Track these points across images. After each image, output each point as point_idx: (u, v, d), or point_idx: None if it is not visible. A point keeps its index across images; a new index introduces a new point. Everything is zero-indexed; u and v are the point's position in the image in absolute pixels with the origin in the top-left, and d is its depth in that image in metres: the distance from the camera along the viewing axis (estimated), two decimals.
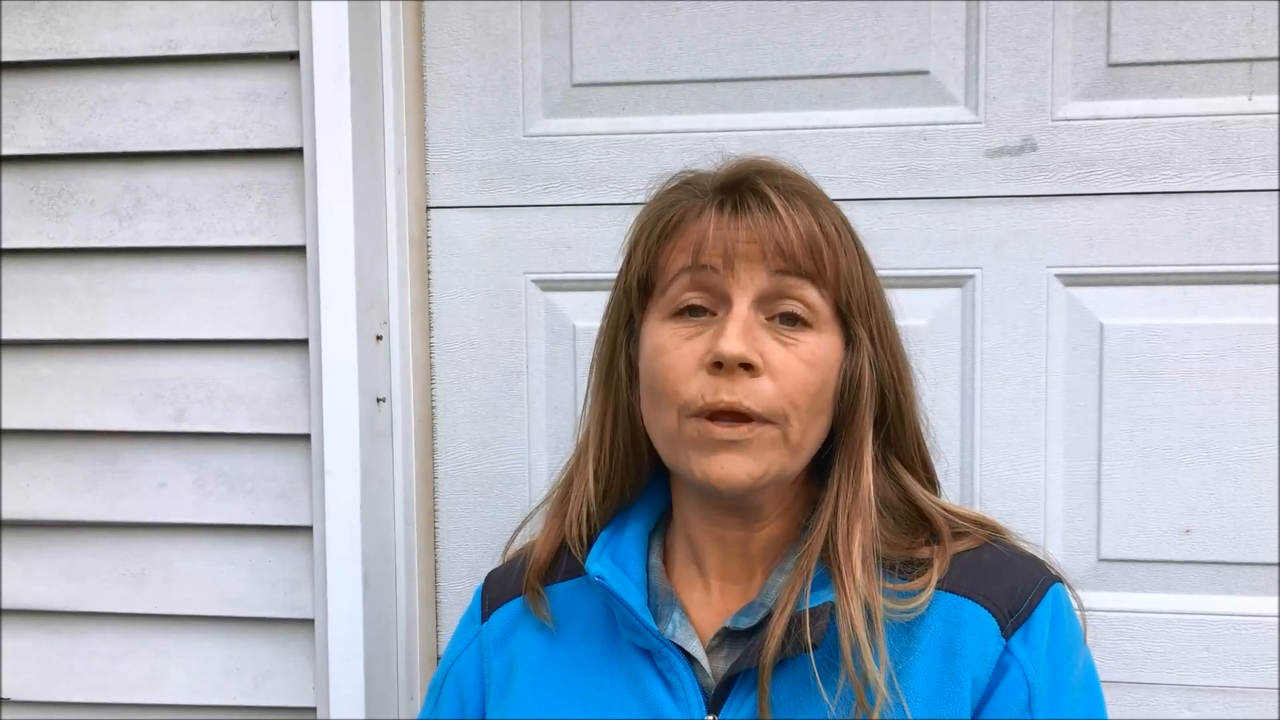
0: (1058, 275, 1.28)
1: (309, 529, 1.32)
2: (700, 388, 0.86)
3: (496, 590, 1.04)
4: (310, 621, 1.33)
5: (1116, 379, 1.28)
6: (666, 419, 0.88)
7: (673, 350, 0.88)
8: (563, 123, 1.36)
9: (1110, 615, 1.29)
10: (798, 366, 0.87)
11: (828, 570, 0.87)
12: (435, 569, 1.41)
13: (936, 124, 1.29)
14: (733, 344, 0.84)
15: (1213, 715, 1.27)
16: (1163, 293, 1.27)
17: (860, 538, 0.87)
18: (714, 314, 0.88)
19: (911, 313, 1.29)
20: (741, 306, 0.87)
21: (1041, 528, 1.29)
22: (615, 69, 1.34)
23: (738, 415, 0.86)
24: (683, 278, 0.89)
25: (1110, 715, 1.26)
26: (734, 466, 0.86)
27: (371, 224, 1.30)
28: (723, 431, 0.85)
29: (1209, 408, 1.26)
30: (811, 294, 0.88)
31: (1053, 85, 1.27)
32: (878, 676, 0.82)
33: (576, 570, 0.96)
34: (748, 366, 0.85)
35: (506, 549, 1.09)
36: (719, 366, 0.85)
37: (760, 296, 0.87)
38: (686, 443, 0.87)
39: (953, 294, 1.30)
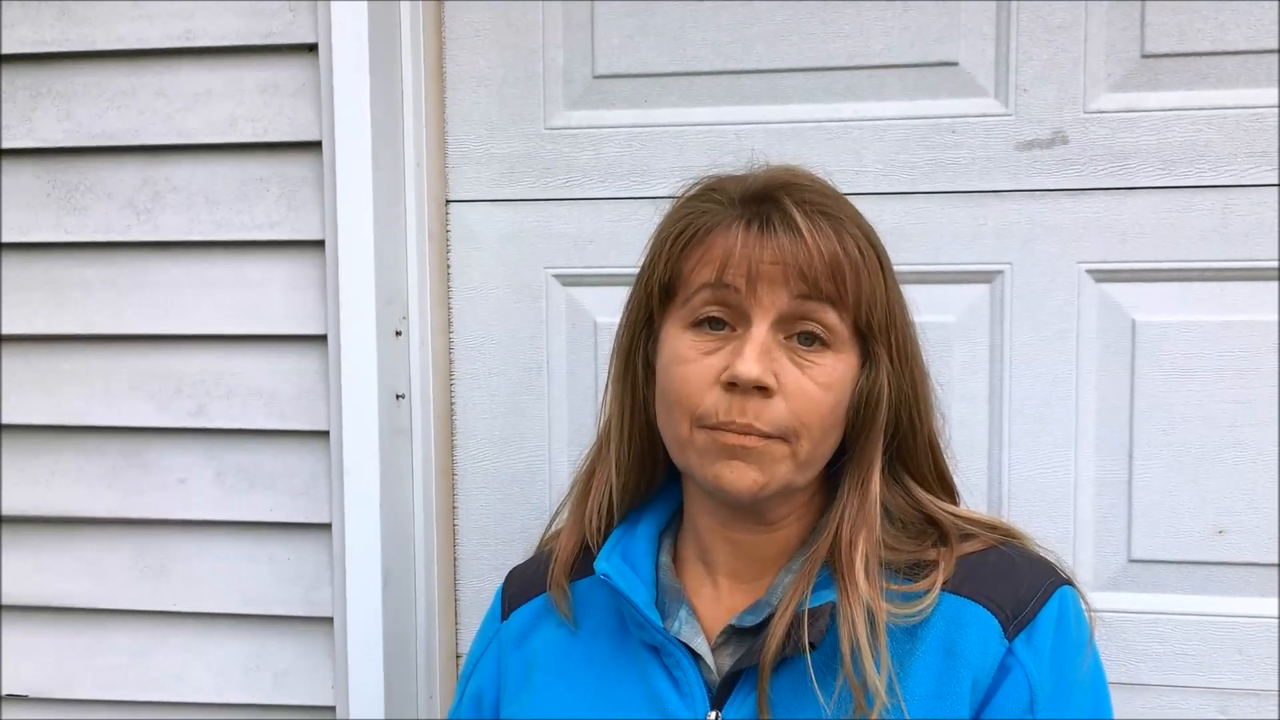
0: (1089, 271, 1.26)
1: (328, 526, 1.31)
2: (715, 403, 0.87)
3: (516, 588, 1.05)
4: (330, 619, 1.32)
5: (1149, 377, 1.25)
6: (679, 427, 0.90)
7: (690, 362, 0.89)
8: (584, 115, 1.34)
9: (1141, 617, 1.27)
10: (812, 389, 0.88)
11: (833, 574, 0.88)
12: (454, 566, 1.40)
13: (966, 116, 1.27)
14: (749, 366, 0.85)
15: (1246, 718, 1.25)
16: (1197, 289, 1.24)
17: (864, 545, 0.88)
18: (734, 329, 0.89)
19: (939, 309, 1.28)
20: (760, 328, 0.87)
21: (1072, 528, 1.27)
22: (638, 61, 1.32)
23: (748, 428, 0.87)
24: (705, 292, 0.89)
25: (1141, 718, 1.26)
26: (740, 474, 0.87)
27: (391, 218, 1.29)
28: (731, 438, 0.87)
29: (1244, 406, 1.24)
30: (831, 316, 0.89)
31: (1085, 77, 1.25)
32: (877, 681, 0.83)
33: (590, 568, 0.96)
34: (762, 388, 0.86)
35: (543, 538, 1.10)
36: (733, 386, 0.86)
37: (780, 318, 0.88)
38: (697, 449, 0.89)
39: (981, 290, 1.28)
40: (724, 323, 0.89)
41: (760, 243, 0.87)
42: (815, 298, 0.88)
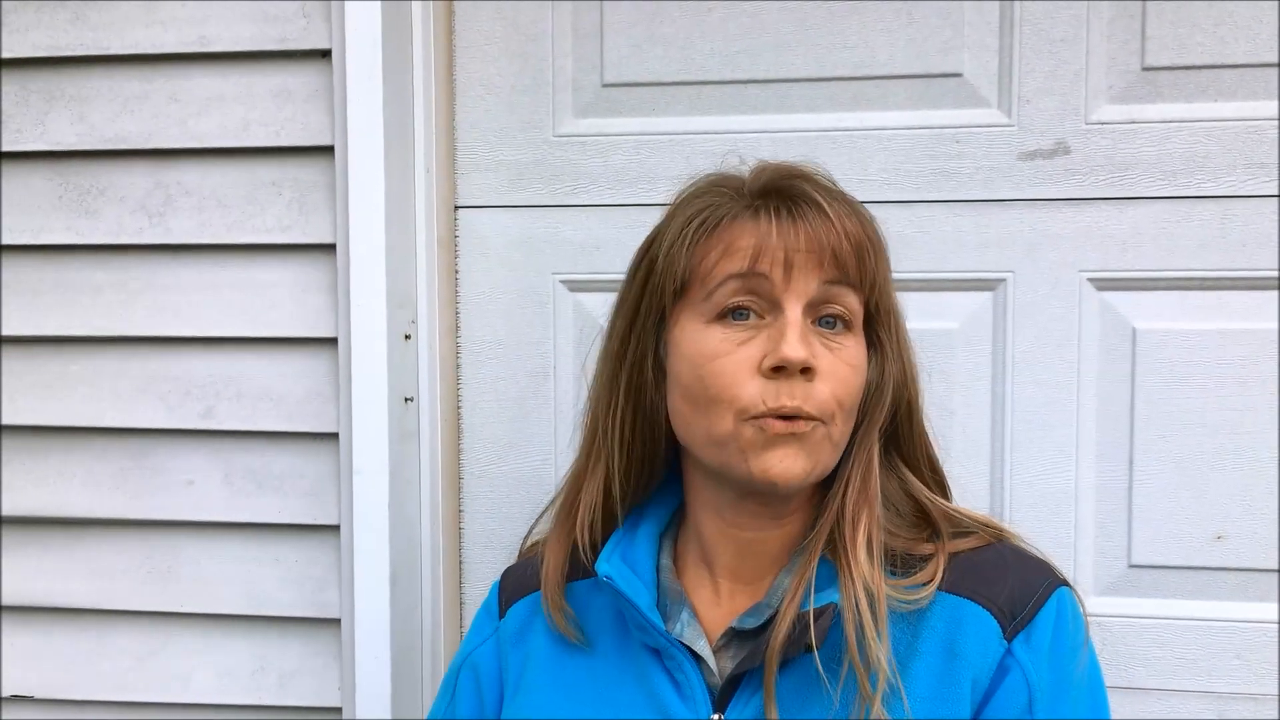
0: (1090, 279, 1.27)
1: (336, 528, 1.32)
2: (760, 392, 0.86)
3: (513, 586, 1.05)
4: (337, 621, 1.33)
5: (1149, 384, 1.27)
6: (719, 423, 0.88)
7: (725, 355, 0.88)
8: (593, 123, 1.36)
9: (1141, 622, 1.28)
10: (844, 370, 0.88)
11: (833, 563, 0.88)
12: (460, 569, 1.41)
13: (969, 126, 1.29)
14: (796, 349, 0.85)
15: None
16: (1197, 297, 1.26)
17: (866, 523, 0.88)
18: (761, 317, 0.89)
19: (942, 316, 1.29)
20: (795, 312, 0.87)
21: (1072, 533, 1.29)
22: (646, 69, 1.34)
23: (798, 413, 0.86)
24: (732, 283, 0.89)
25: None
26: (791, 462, 0.87)
27: (401, 222, 1.30)
28: (780, 425, 0.86)
29: (1242, 413, 1.26)
30: (853, 299, 0.90)
31: (1086, 88, 1.27)
32: (881, 656, 0.83)
33: (590, 570, 0.96)
34: (805, 370, 0.86)
35: (521, 548, 1.10)
36: (778, 371, 0.86)
37: (810, 303, 0.88)
38: (742, 444, 0.87)
39: (984, 297, 1.30)
40: (749, 312, 0.89)
41: (794, 228, 0.87)
42: (843, 281, 0.89)
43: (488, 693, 1.02)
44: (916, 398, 0.96)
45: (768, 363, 0.86)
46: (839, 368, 0.88)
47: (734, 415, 0.87)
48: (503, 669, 1.02)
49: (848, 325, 0.90)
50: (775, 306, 0.88)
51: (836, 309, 0.89)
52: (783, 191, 0.90)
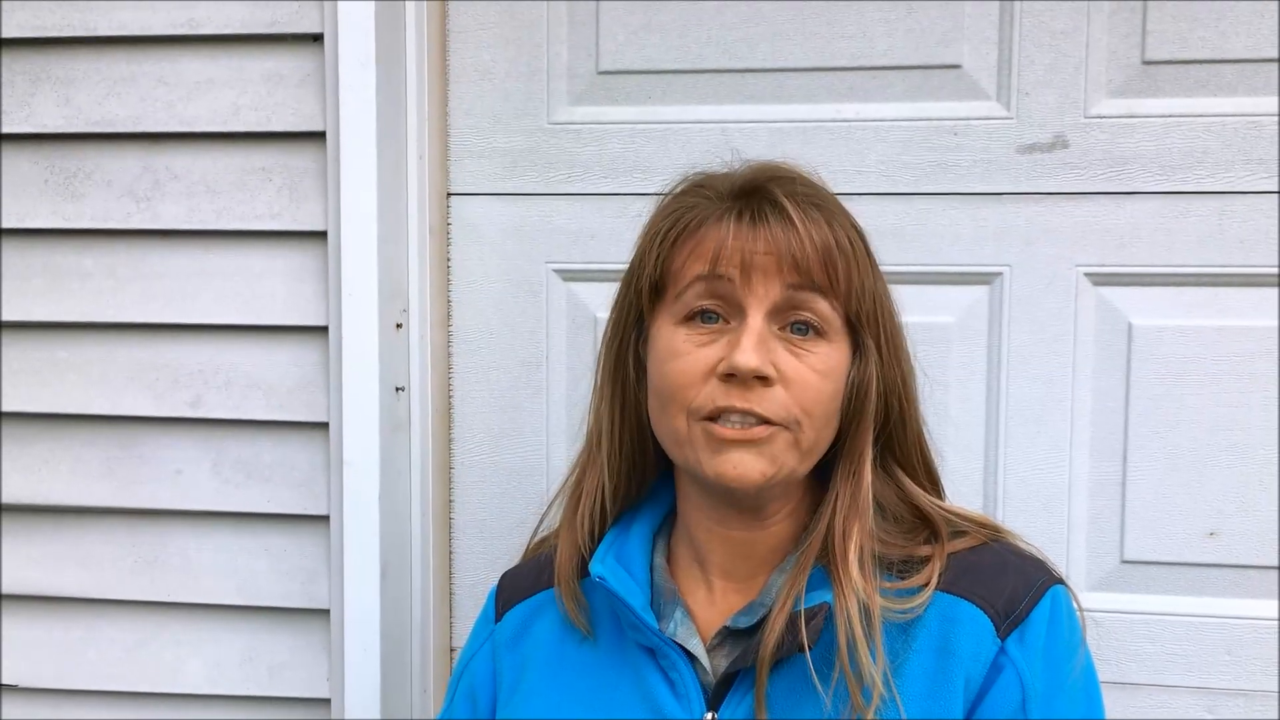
0: (1087, 274, 1.27)
1: (326, 518, 1.31)
2: (711, 394, 0.87)
3: (510, 590, 1.05)
4: (327, 612, 1.32)
5: (1144, 380, 1.27)
6: (675, 422, 0.89)
7: (684, 355, 0.89)
8: (588, 111, 1.34)
9: (1132, 617, 1.29)
10: (810, 376, 0.88)
11: (827, 571, 0.88)
12: (450, 560, 1.40)
13: (968, 119, 1.28)
14: (748, 356, 0.85)
15: (1234, 718, 1.27)
16: (1193, 294, 1.26)
17: (857, 537, 0.88)
18: (727, 321, 0.89)
19: (938, 310, 1.29)
20: (756, 318, 0.87)
21: (1065, 528, 1.29)
22: (642, 57, 1.33)
23: (749, 416, 0.86)
24: (697, 285, 0.89)
25: (1130, 717, 1.28)
26: (747, 465, 0.87)
27: (393, 210, 1.29)
28: (731, 433, 0.86)
29: (1237, 410, 1.25)
30: (823, 305, 0.89)
31: (1086, 82, 1.26)
32: (874, 673, 0.83)
33: (586, 570, 0.96)
34: (761, 378, 0.86)
35: (528, 547, 1.10)
36: (732, 377, 0.86)
37: (774, 308, 0.88)
38: (695, 445, 0.88)
39: (981, 291, 1.29)
40: (717, 315, 0.89)
41: (753, 233, 0.87)
42: (808, 287, 0.88)
43: (481, 699, 1.03)
44: (911, 403, 0.95)
45: (721, 368, 0.86)
46: (804, 374, 0.87)
47: (686, 415, 0.88)
48: (496, 674, 1.02)
49: (819, 332, 0.89)
50: (739, 311, 0.88)
51: (805, 315, 0.88)
52: (753, 194, 0.90)
